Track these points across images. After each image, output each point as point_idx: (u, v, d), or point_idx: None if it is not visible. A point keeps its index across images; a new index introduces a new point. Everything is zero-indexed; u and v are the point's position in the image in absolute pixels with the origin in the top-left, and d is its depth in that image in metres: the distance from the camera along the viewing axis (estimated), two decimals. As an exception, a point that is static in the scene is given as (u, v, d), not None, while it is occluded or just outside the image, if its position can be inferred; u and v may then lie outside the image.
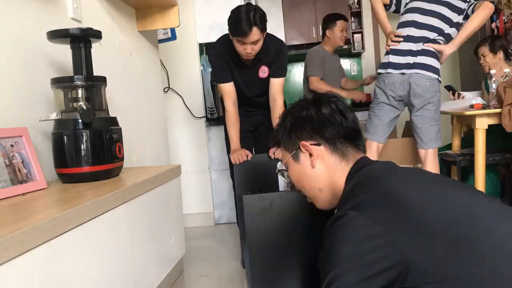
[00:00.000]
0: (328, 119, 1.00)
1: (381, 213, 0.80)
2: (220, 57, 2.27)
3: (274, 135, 1.09)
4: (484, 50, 3.04)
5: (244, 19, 2.05)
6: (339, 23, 3.38)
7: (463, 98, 3.10)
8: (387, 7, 2.60)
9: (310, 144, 1.00)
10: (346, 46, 4.95)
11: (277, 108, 2.36)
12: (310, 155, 1.01)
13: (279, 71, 2.35)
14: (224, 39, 2.28)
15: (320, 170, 1.00)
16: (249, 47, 2.11)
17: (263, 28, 2.11)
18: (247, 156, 2.21)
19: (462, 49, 5.30)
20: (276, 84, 2.35)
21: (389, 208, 0.80)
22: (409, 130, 3.69)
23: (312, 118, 1.01)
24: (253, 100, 2.43)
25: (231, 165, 2.40)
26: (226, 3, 3.44)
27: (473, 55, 3.21)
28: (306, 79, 3.43)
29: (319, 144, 1.00)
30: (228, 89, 2.30)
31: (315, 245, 1.24)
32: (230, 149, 2.32)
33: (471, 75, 4.83)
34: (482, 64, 3.09)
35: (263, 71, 2.34)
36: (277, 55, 2.31)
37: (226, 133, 2.45)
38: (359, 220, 0.79)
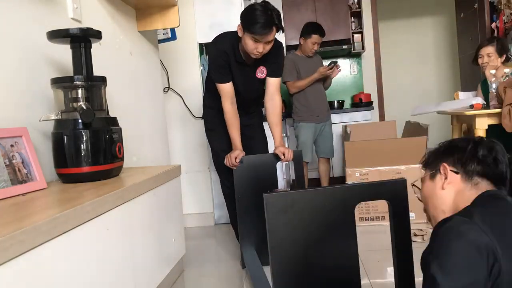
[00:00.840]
0: (478, 157, 1.05)
1: (489, 222, 0.88)
2: (222, 56, 2.23)
3: (427, 156, 1.16)
4: (491, 50, 3.02)
5: (264, 17, 2.04)
6: (314, 37, 3.57)
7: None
8: None
9: (450, 170, 1.07)
10: (346, 46, 4.96)
11: (276, 105, 2.38)
12: (445, 178, 1.07)
13: (277, 71, 2.37)
14: (226, 36, 2.26)
15: (448, 194, 1.07)
16: (261, 46, 2.10)
17: (279, 28, 2.13)
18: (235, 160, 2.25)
19: (462, 49, 5.31)
20: (274, 83, 2.36)
21: (498, 223, 0.88)
22: (409, 130, 3.70)
23: (465, 150, 1.07)
24: (247, 102, 2.42)
25: (218, 162, 2.43)
26: (226, 3, 3.44)
27: (473, 55, 3.20)
28: (283, 83, 3.64)
29: (457, 173, 1.06)
30: (228, 89, 2.28)
31: (337, 243, 1.24)
32: (233, 153, 2.28)
33: (471, 75, 4.83)
34: (481, 64, 3.08)
35: (261, 72, 2.33)
36: (276, 55, 2.31)
37: (208, 133, 2.47)
38: (466, 224, 0.88)
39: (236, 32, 2.20)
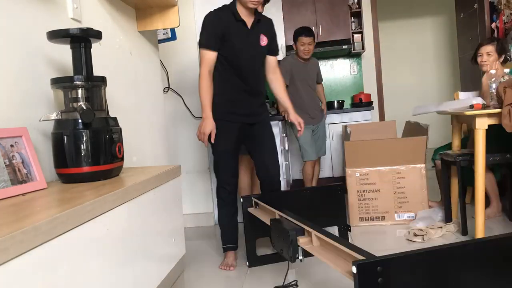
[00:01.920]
0: None
1: None
2: (218, 24, 2.25)
3: None
4: (491, 49, 3.03)
5: None
6: (300, 39, 3.73)
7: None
8: None
9: None
10: (346, 46, 4.96)
11: (280, 78, 2.47)
12: None
13: (275, 47, 2.46)
14: (224, 7, 2.31)
15: None
16: None
17: None
18: (209, 138, 2.25)
19: (462, 49, 5.30)
20: (273, 59, 2.47)
21: None
22: (409, 130, 3.70)
23: None
24: (250, 78, 2.38)
25: (220, 164, 2.37)
26: (226, 3, 3.44)
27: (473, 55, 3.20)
28: None
29: None
30: (210, 57, 2.26)
31: None
32: (204, 123, 2.26)
33: (471, 75, 4.83)
34: (481, 63, 3.08)
35: (263, 40, 2.36)
36: (272, 28, 2.44)
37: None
38: None
39: (231, 2, 2.30)
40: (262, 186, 2.54)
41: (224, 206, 2.45)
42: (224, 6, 2.31)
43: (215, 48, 2.25)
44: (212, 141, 2.27)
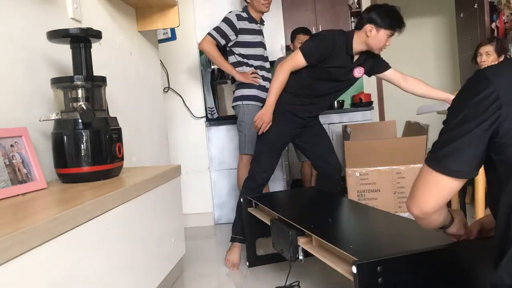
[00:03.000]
0: None
1: None
2: (331, 45, 2.26)
3: None
4: (490, 49, 3.03)
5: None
6: (298, 37, 3.68)
7: None
8: None
9: None
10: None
11: (415, 80, 2.46)
12: None
13: (384, 64, 2.49)
14: (342, 33, 2.31)
15: None
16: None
17: None
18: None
19: (462, 49, 5.30)
20: (390, 72, 2.50)
21: None
22: (409, 130, 3.70)
23: None
24: (324, 104, 2.48)
25: (269, 152, 2.38)
26: (226, 3, 3.44)
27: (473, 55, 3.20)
28: None
29: None
30: (302, 66, 2.29)
31: None
32: (266, 111, 2.28)
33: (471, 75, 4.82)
34: (480, 63, 3.08)
35: (359, 72, 2.37)
36: (374, 55, 2.44)
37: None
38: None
39: (348, 33, 2.31)
40: (321, 176, 2.59)
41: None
42: (343, 34, 2.32)
43: (311, 61, 2.27)
44: (264, 130, 2.31)
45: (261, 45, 2.93)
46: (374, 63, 2.43)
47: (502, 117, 0.84)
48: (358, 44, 2.28)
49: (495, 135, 0.85)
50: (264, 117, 2.27)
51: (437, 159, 0.90)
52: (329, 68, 2.28)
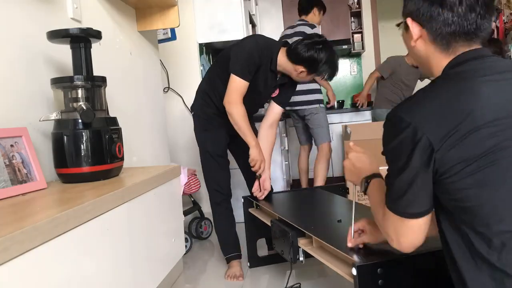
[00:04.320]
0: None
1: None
2: (259, 55, 2.07)
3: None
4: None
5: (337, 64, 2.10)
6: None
7: None
8: None
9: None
10: (346, 46, 4.95)
11: (274, 135, 2.29)
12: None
13: (285, 102, 2.31)
14: (268, 40, 2.17)
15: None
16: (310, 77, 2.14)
17: None
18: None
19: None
20: (278, 112, 2.27)
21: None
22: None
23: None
24: (251, 109, 2.27)
25: (210, 167, 2.24)
26: (226, 3, 3.44)
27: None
28: None
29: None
30: (244, 88, 2.06)
31: None
32: (256, 148, 2.09)
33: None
34: None
35: (275, 92, 2.25)
36: (292, 87, 2.29)
37: (203, 134, 2.25)
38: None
39: (278, 42, 2.18)
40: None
41: (222, 213, 2.33)
42: (269, 42, 2.17)
43: (249, 78, 2.08)
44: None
45: None
46: (285, 96, 2.28)
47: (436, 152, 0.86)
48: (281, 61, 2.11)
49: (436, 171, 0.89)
50: (260, 156, 2.11)
51: (401, 209, 0.95)
52: (258, 76, 2.12)
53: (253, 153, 2.09)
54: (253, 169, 2.13)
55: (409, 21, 0.99)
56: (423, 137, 0.86)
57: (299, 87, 3.10)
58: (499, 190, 0.85)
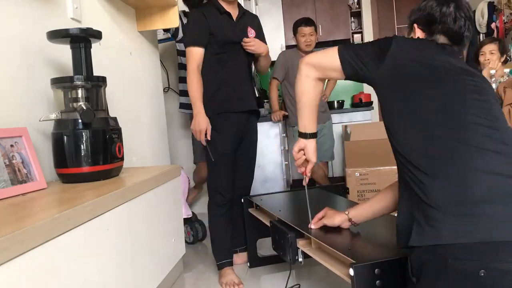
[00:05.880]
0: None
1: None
2: (203, 19, 2.13)
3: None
4: (494, 47, 3.01)
5: None
6: (300, 30, 3.53)
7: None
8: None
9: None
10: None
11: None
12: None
13: (262, 40, 2.31)
14: (207, 4, 2.24)
15: None
16: None
17: None
18: (206, 135, 2.10)
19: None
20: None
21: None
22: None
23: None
24: (239, 79, 2.23)
25: (217, 166, 2.16)
26: (226, 3, 3.43)
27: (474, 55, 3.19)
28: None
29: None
30: (199, 55, 2.12)
31: None
32: (195, 117, 2.09)
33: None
34: (483, 62, 3.07)
35: (251, 32, 2.25)
36: (259, 22, 2.33)
37: (212, 132, 2.13)
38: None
39: None
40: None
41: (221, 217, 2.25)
42: (207, 2, 2.26)
43: (202, 41, 2.13)
44: (209, 137, 2.11)
45: None
46: (259, 35, 2.30)
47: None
48: (222, 1, 2.17)
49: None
50: (197, 126, 2.10)
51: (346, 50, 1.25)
52: (219, 34, 2.14)
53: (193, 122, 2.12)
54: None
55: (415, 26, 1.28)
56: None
57: None
58: None
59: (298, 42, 3.58)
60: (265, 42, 2.31)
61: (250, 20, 2.28)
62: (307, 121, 1.39)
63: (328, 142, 3.71)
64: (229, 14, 2.20)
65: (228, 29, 2.18)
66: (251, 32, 2.26)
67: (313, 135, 1.41)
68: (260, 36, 2.32)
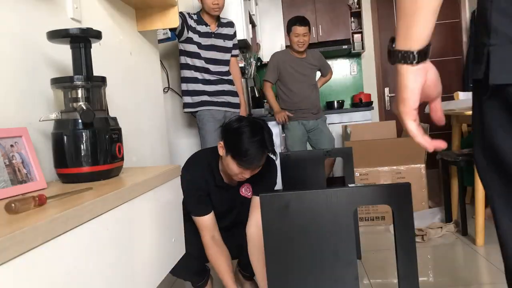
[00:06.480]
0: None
1: None
2: (199, 185, 1.95)
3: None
4: None
5: (256, 146, 1.74)
6: (293, 29, 3.47)
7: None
8: None
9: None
10: (345, 46, 4.96)
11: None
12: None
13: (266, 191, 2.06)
14: (200, 157, 2.04)
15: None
16: (249, 173, 1.82)
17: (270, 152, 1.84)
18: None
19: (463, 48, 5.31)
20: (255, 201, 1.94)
21: None
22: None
23: None
24: (228, 224, 2.12)
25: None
26: (225, 3, 3.44)
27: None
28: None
29: None
30: (209, 222, 1.94)
31: (334, 246, 1.24)
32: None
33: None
34: None
35: (247, 190, 2.04)
36: (268, 172, 2.00)
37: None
38: None
39: (213, 150, 1.97)
40: None
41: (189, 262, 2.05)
42: (202, 158, 2.04)
43: (208, 209, 1.97)
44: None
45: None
46: (262, 187, 1.95)
47: None
48: (223, 169, 1.89)
49: None
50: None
51: None
52: (212, 198, 2.00)
53: None
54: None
55: None
56: None
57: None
58: None
59: (291, 41, 3.53)
60: (269, 191, 2.00)
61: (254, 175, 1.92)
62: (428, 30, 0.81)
63: (327, 140, 3.69)
64: (227, 187, 2.01)
65: (219, 201, 2.03)
66: (246, 190, 2.05)
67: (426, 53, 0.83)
68: (261, 190, 1.75)
